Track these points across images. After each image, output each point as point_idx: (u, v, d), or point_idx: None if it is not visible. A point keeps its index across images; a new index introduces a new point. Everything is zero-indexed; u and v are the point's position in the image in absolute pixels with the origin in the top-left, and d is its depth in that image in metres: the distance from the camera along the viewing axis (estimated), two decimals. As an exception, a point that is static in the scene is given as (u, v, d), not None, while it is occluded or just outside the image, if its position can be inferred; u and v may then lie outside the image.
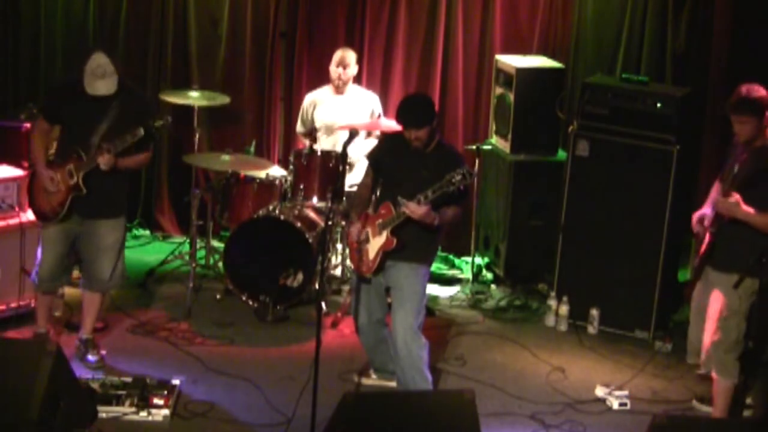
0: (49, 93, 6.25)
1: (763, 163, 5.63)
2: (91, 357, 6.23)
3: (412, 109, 5.79)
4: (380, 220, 5.78)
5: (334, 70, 7.69)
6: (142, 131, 5.94)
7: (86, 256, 6.21)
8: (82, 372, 5.96)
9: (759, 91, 5.65)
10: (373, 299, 5.97)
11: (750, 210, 5.58)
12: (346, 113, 7.66)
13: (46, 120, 6.12)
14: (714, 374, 5.83)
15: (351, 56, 7.72)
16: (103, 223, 6.12)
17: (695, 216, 5.93)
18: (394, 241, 5.73)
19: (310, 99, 7.86)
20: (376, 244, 5.79)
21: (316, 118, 7.79)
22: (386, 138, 6.30)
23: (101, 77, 5.85)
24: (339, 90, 7.71)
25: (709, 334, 5.80)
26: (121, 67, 6.01)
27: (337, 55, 7.72)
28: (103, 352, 6.31)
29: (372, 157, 6.11)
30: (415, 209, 5.59)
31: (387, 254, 5.77)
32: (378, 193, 6.04)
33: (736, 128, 5.69)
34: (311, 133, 7.87)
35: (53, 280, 6.25)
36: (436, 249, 6.19)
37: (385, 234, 5.75)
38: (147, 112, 6.21)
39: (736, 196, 5.60)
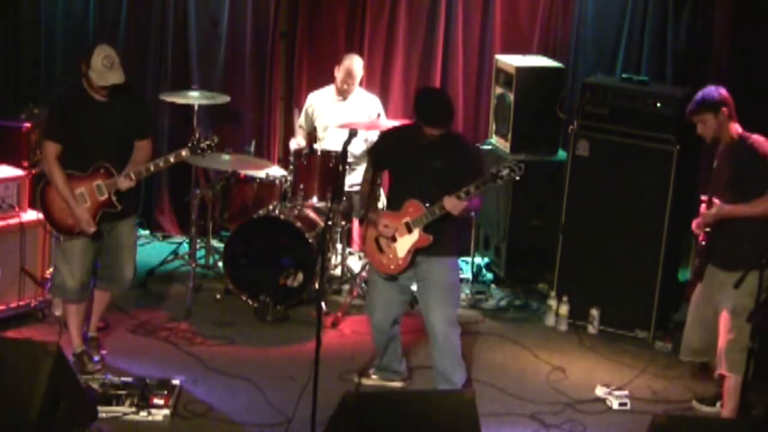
0: (52, 113, 5.98)
1: (738, 159, 5.75)
2: (97, 357, 6.22)
3: (440, 109, 5.66)
4: (408, 218, 5.73)
5: (341, 77, 7.66)
6: (186, 153, 5.96)
7: (109, 257, 6.17)
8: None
9: (713, 91, 5.82)
10: (395, 297, 5.95)
11: (734, 207, 5.68)
12: (348, 117, 7.64)
13: (57, 143, 5.88)
14: (727, 372, 5.83)
15: (358, 67, 7.69)
16: (123, 223, 6.11)
17: (694, 223, 5.99)
18: (430, 237, 5.69)
19: (313, 100, 7.84)
20: (406, 242, 5.74)
21: (318, 120, 7.79)
22: (388, 133, 6.22)
23: (110, 68, 5.78)
24: (344, 96, 7.70)
25: (723, 334, 5.81)
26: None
27: (345, 65, 7.68)
28: (104, 351, 6.32)
29: (374, 152, 6.07)
30: (456, 204, 5.54)
31: (418, 251, 5.74)
32: (392, 190, 5.96)
33: (699, 130, 5.85)
34: (311, 133, 7.86)
35: (84, 291, 6.15)
36: (468, 239, 6.15)
37: (417, 231, 5.70)
38: (146, 111, 6.22)
39: (716, 202, 5.75)
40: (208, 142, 6.01)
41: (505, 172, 5.48)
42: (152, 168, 5.92)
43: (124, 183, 5.87)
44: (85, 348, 6.21)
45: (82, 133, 5.90)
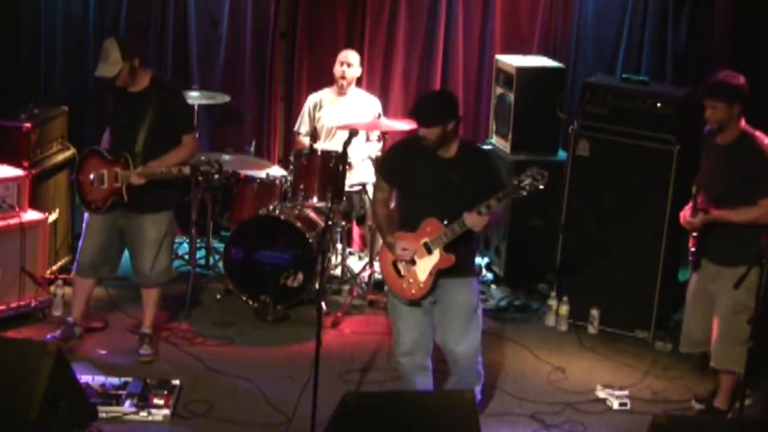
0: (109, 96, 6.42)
1: (742, 161, 5.70)
2: (143, 351, 6.30)
3: (424, 106, 5.32)
4: (426, 239, 5.34)
5: (338, 69, 7.68)
6: (187, 171, 6.04)
7: (130, 249, 6.34)
8: (83, 372, 5.95)
9: (736, 78, 5.71)
10: (422, 320, 5.54)
11: (721, 213, 5.70)
12: (348, 115, 7.64)
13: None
14: (727, 368, 5.85)
15: (354, 56, 7.74)
16: (147, 217, 6.19)
17: (681, 216, 6.01)
18: (452, 257, 5.32)
19: (312, 100, 7.84)
20: (426, 264, 5.37)
21: (319, 120, 7.78)
22: (398, 147, 5.85)
23: (102, 60, 5.98)
24: (342, 91, 7.70)
25: (718, 329, 5.82)
26: (147, 62, 6.15)
27: (341, 54, 7.74)
28: (103, 351, 6.32)
29: (385, 169, 5.66)
30: (477, 220, 5.21)
31: (440, 273, 5.39)
32: (403, 208, 5.56)
33: (708, 113, 5.73)
34: (312, 134, 7.85)
35: (93, 268, 6.33)
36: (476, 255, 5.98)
37: (437, 252, 5.33)
38: (182, 109, 6.29)
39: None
40: (206, 168, 6.12)
41: (527, 181, 5.18)
42: (163, 172, 6.01)
43: (135, 179, 6.00)
44: (139, 338, 6.38)
45: (115, 120, 6.16)
